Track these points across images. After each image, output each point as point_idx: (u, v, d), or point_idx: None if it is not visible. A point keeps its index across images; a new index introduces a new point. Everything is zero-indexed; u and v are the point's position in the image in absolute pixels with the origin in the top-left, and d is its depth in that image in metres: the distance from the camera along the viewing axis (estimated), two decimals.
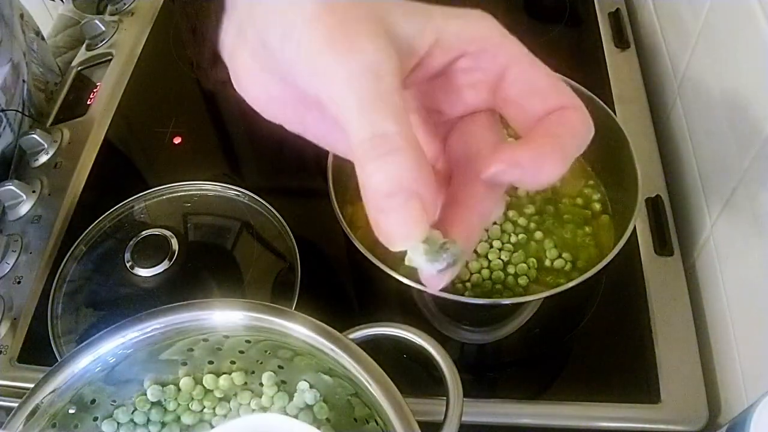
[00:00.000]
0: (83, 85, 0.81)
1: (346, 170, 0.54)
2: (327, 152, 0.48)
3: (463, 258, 0.22)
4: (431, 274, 0.22)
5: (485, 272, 0.55)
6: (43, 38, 0.84)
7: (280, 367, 0.47)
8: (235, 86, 0.27)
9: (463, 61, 0.24)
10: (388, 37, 0.21)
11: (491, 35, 0.23)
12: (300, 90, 0.23)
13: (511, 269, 0.56)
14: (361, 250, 0.50)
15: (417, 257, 0.21)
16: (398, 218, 0.20)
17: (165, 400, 0.47)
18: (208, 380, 0.48)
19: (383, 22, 0.22)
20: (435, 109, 0.25)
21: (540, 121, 0.22)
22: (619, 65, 0.75)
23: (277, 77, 0.25)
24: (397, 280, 0.48)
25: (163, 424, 0.47)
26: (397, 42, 0.22)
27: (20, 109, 0.74)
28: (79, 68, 0.83)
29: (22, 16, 0.79)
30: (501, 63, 0.23)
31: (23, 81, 0.76)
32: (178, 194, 0.69)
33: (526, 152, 0.22)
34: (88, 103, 0.78)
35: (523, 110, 0.23)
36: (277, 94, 0.26)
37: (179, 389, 0.47)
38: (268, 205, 0.65)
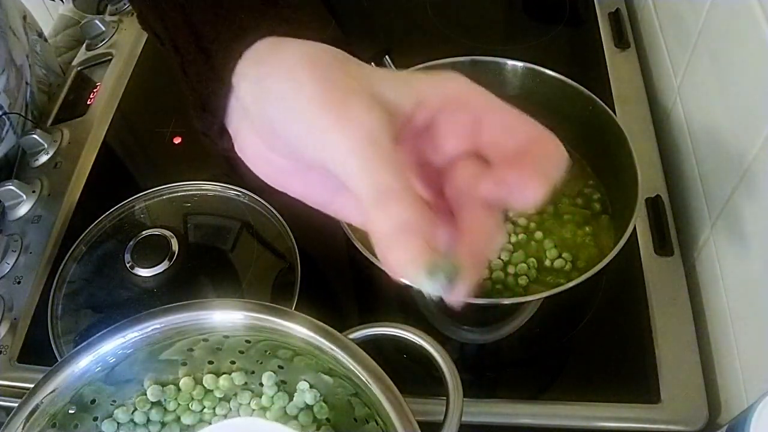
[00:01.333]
0: (83, 85, 0.81)
1: None
2: None
3: (459, 272, 0.25)
4: (437, 293, 0.25)
5: (485, 272, 0.55)
6: (45, 39, 0.84)
7: (280, 367, 0.47)
8: (241, 157, 0.31)
9: (443, 116, 0.27)
10: (379, 106, 0.25)
11: (462, 91, 0.27)
12: (306, 163, 0.27)
13: (511, 269, 0.56)
14: (361, 250, 0.50)
15: (421, 282, 0.24)
16: (402, 252, 0.23)
17: (165, 400, 0.47)
18: (208, 380, 0.48)
19: (373, 93, 0.26)
20: (425, 162, 0.29)
21: (518, 153, 0.26)
22: (619, 65, 0.75)
23: (284, 154, 0.29)
24: (397, 280, 0.48)
25: (163, 424, 0.47)
26: (387, 107, 0.26)
27: (23, 113, 0.74)
28: (79, 68, 0.83)
29: (25, 17, 0.79)
30: (475, 112, 0.27)
31: (26, 83, 0.75)
32: (178, 194, 0.69)
33: (510, 171, 0.26)
34: (88, 103, 0.78)
35: (501, 148, 0.27)
36: (283, 167, 0.30)
37: (179, 389, 0.47)
38: (268, 205, 0.65)
